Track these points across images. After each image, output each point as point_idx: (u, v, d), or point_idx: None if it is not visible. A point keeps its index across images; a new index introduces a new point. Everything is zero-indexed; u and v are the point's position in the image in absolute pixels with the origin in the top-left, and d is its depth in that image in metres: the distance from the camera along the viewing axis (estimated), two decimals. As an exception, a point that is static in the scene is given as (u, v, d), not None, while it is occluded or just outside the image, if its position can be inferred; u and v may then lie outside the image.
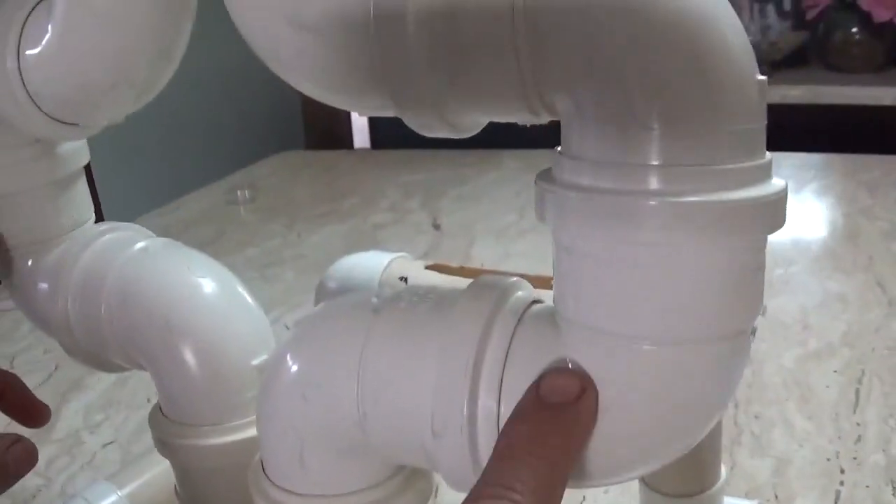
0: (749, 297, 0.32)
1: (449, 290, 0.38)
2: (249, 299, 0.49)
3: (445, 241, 1.28)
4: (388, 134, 2.25)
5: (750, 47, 0.31)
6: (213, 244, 1.33)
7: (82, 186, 0.55)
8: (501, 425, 0.33)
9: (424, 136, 0.37)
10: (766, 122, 0.31)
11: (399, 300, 0.38)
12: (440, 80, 0.33)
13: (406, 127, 0.36)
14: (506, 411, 0.33)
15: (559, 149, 0.33)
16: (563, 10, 0.30)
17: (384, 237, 1.33)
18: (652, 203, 0.29)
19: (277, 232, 1.36)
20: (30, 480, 0.77)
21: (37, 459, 0.47)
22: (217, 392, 0.47)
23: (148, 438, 0.80)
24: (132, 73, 0.45)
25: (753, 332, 0.33)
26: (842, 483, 0.66)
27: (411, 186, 1.56)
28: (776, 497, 0.65)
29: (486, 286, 0.36)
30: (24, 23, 0.47)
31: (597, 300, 0.32)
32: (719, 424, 0.59)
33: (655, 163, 0.29)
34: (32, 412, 0.54)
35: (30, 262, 0.53)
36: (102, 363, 0.53)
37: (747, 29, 1.85)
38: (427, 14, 0.32)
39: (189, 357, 0.46)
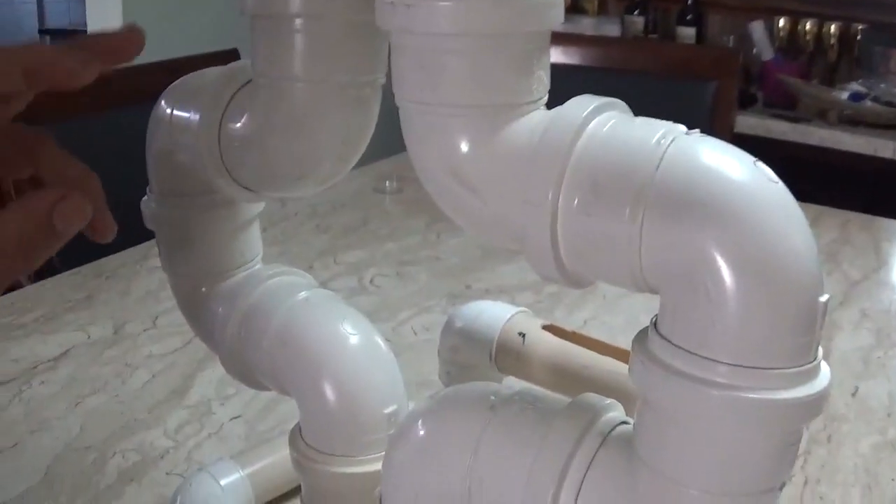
0: (781, 465, 0.39)
1: (554, 400, 0.46)
2: (388, 354, 0.58)
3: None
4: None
5: (818, 270, 0.38)
6: (355, 232, 1.41)
7: (255, 230, 0.63)
8: None
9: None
10: (821, 333, 0.38)
11: (512, 403, 0.46)
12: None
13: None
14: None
15: (655, 319, 0.40)
16: (669, 222, 0.38)
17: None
18: (716, 393, 0.37)
19: (418, 228, 1.43)
20: (159, 441, 0.85)
21: (89, 215, 0.42)
22: (351, 430, 0.55)
23: (272, 419, 0.89)
24: (318, 169, 0.53)
25: (782, 486, 0.40)
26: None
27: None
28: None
29: (582, 407, 0.45)
30: (232, 97, 0.54)
31: (663, 450, 0.40)
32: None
33: (724, 360, 0.37)
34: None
35: (204, 289, 0.62)
36: (252, 382, 0.62)
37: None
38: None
39: (331, 399, 0.55)
